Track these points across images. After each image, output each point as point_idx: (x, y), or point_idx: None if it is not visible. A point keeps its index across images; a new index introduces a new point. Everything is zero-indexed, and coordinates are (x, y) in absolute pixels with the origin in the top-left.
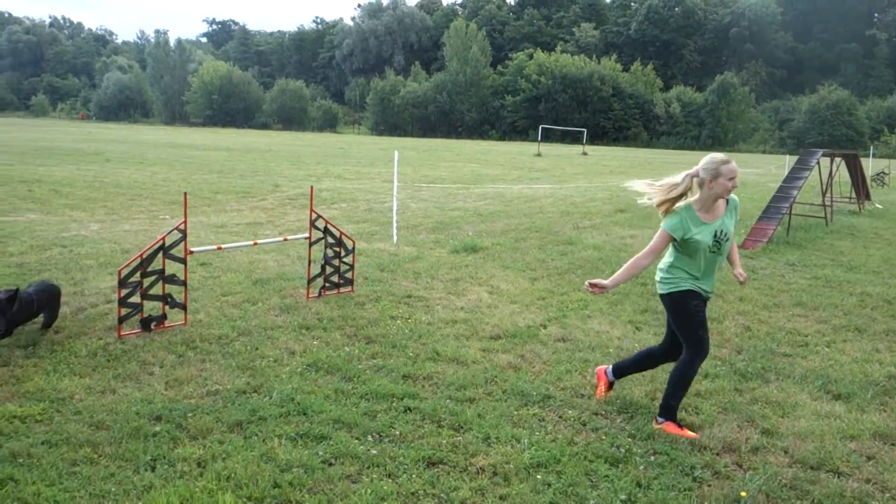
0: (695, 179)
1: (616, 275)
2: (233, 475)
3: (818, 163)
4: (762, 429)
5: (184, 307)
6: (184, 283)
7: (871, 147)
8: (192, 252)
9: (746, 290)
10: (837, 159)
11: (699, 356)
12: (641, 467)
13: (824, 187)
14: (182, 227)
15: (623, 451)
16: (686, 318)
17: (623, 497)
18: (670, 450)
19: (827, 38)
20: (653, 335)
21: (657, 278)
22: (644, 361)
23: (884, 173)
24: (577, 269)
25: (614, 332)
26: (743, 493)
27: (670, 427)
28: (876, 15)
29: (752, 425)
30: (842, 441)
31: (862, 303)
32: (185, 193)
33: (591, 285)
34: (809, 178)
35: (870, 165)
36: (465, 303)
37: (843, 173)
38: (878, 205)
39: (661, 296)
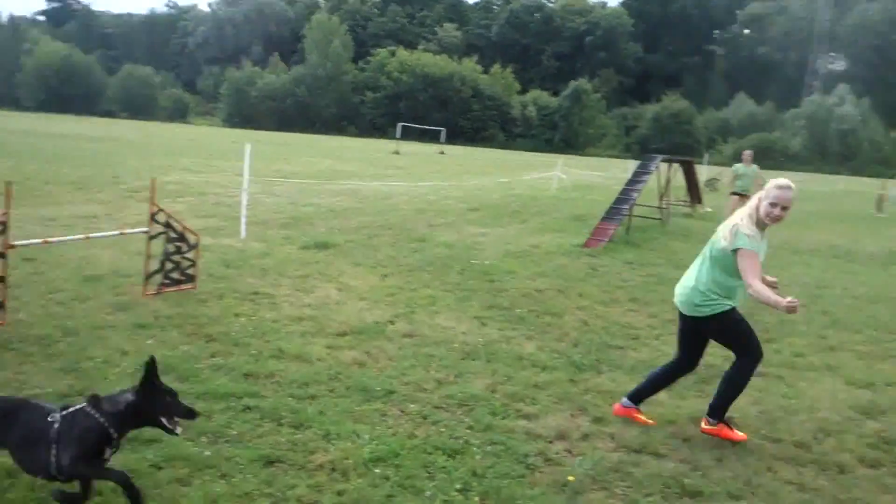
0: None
1: (772, 302)
2: (50, 483)
3: (657, 168)
4: (593, 417)
5: (1, 305)
6: (2, 280)
7: (706, 155)
8: (13, 246)
9: (587, 287)
10: (675, 165)
11: (757, 361)
12: (478, 457)
13: (662, 191)
14: (2, 218)
15: (461, 442)
16: (738, 332)
17: (458, 486)
18: (507, 440)
19: (672, 51)
20: (497, 330)
21: (694, 301)
22: (660, 381)
23: (715, 179)
24: (427, 265)
25: (460, 327)
26: (570, 478)
27: (723, 430)
28: (716, 31)
29: (584, 414)
30: (662, 426)
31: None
32: (10, 183)
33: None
34: (650, 182)
35: (704, 171)
36: (312, 300)
37: (679, 178)
38: (709, 209)
39: (702, 318)
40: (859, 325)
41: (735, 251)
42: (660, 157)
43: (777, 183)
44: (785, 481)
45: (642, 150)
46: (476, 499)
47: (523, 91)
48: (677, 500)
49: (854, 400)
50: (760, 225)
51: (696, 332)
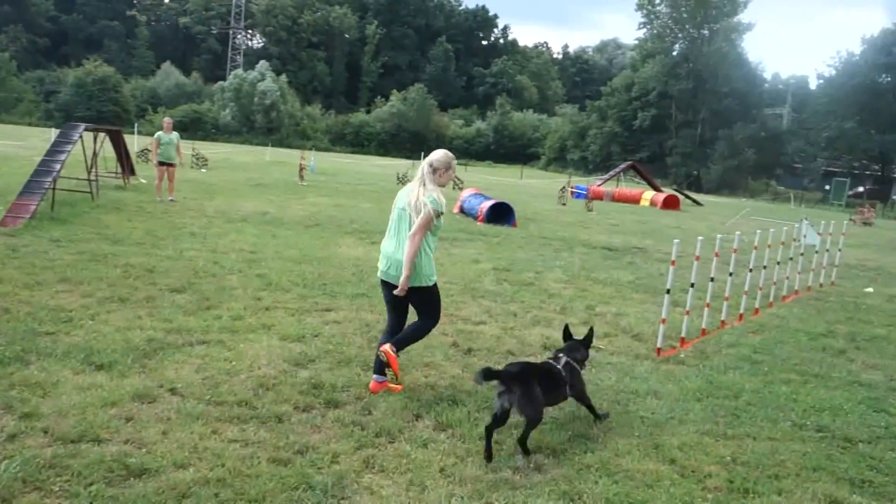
0: (429, 167)
1: (406, 271)
2: None
3: (81, 137)
4: (21, 413)
5: None
6: None
7: (137, 124)
8: None
9: (6, 270)
10: (101, 134)
11: (436, 323)
12: None
13: (90, 162)
14: None
15: None
16: (438, 300)
17: None
18: None
19: (90, 13)
20: None
21: (420, 272)
22: (411, 334)
23: (148, 150)
24: None
25: None
26: None
27: (393, 360)
28: None
29: (10, 412)
30: (103, 409)
31: (126, 273)
32: None
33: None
34: (75, 153)
35: (135, 142)
36: None
37: (109, 149)
38: (142, 180)
39: (424, 289)
40: (289, 285)
41: (425, 209)
42: (83, 125)
43: (451, 155)
44: (230, 440)
45: (67, 117)
46: None
47: None
48: (123, 483)
49: (288, 353)
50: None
51: (410, 297)
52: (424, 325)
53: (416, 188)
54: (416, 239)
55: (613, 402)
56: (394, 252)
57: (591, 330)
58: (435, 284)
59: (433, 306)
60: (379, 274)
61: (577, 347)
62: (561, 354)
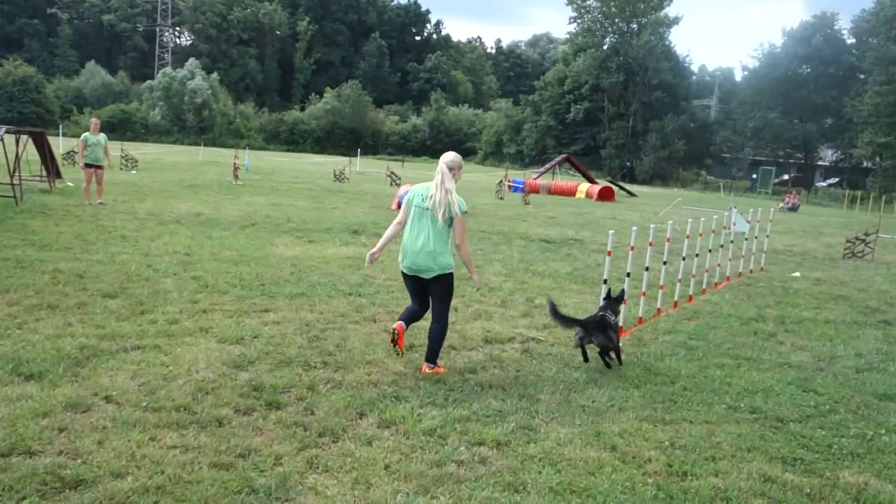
0: (447, 168)
1: (473, 274)
2: None
3: (2, 140)
4: None
5: None
6: None
7: (62, 126)
8: None
9: None
10: (24, 137)
11: (449, 307)
12: None
13: (12, 166)
14: None
15: None
16: (452, 292)
17: None
18: None
19: (9, 11)
20: None
21: (444, 262)
22: (414, 317)
23: (74, 152)
24: None
25: None
26: None
27: (440, 369)
28: None
29: None
30: (34, 420)
31: (54, 280)
32: None
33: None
34: None
35: (61, 144)
36: None
37: (32, 151)
38: (69, 183)
39: (446, 275)
40: (226, 287)
41: (455, 216)
42: (4, 127)
43: (459, 156)
44: (169, 447)
45: None
46: None
47: None
48: (58, 495)
49: (227, 356)
50: None
51: (432, 285)
52: (441, 321)
53: (438, 188)
54: (465, 244)
55: (554, 392)
56: (422, 247)
57: (623, 291)
58: (452, 273)
59: (449, 290)
60: (402, 267)
61: (613, 305)
62: (607, 309)
